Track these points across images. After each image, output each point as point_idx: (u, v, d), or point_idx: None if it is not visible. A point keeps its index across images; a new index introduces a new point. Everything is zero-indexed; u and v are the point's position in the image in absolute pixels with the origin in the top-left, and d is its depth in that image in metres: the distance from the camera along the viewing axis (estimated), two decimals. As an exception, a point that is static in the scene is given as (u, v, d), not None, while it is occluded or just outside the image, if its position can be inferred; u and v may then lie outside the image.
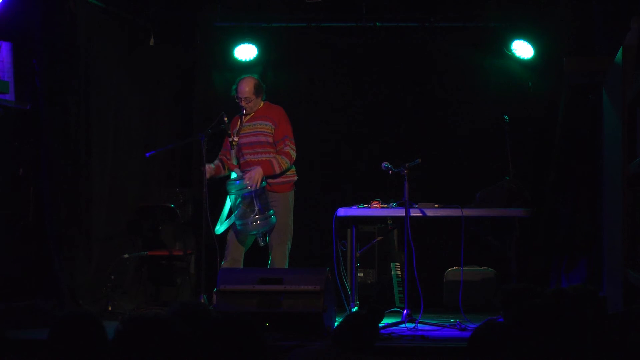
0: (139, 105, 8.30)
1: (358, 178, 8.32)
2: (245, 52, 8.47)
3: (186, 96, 8.76)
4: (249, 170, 6.72)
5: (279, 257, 6.81)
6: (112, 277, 7.34)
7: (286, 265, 6.82)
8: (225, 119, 6.84)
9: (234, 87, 7.02)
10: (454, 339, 6.01)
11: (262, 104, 7.02)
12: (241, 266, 6.92)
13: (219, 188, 7.13)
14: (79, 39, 7.35)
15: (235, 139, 6.92)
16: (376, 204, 6.89)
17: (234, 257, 6.88)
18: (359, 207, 6.92)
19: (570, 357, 3.04)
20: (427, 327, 6.41)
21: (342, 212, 6.89)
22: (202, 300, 6.65)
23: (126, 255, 7.53)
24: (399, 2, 8.24)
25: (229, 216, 6.90)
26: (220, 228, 6.90)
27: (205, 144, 6.84)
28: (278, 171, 6.81)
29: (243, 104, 6.93)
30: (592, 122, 7.22)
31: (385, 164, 6.71)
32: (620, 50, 5.31)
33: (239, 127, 6.96)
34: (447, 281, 7.69)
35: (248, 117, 6.98)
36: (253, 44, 8.44)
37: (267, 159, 6.82)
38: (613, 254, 5.84)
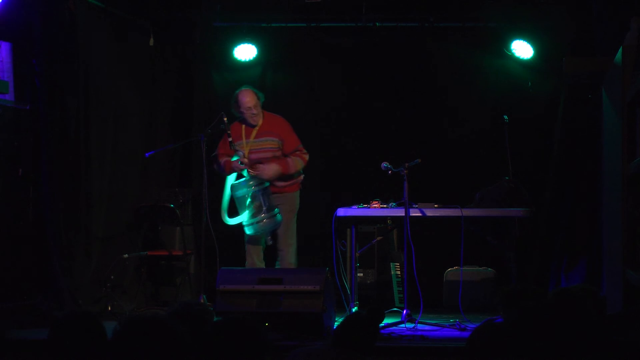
0: (139, 105, 8.30)
1: (358, 178, 8.32)
2: (245, 52, 8.47)
3: (186, 96, 8.76)
4: (263, 164, 6.80)
5: (291, 256, 6.89)
6: (112, 277, 7.34)
7: (296, 263, 6.85)
8: (225, 119, 6.84)
9: (233, 101, 6.99)
10: (454, 339, 6.01)
11: (263, 115, 7.02)
12: (263, 266, 6.96)
13: (219, 188, 7.14)
14: (79, 39, 7.34)
15: (245, 159, 6.88)
16: (376, 204, 6.89)
17: (253, 258, 6.92)
18: (358, 207, 6.92)
19: (570, 357, 3.04)
20: (427, 327, 6.41)
21: (341, 212, 6.89)
22: (202, 300, 6.66)
23: (126, 255, 7.52)
24: (399, 2, 8.24)
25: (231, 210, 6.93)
26: (229, 219, 6.94)
27: (205, 144, 6.85)
28: (293, 171, 6.92)
29: (248, 114, 6.89)
30: (592, 122, 7.21)
31: (385, 164, 6.71)
32: (620, 50, 5.31)
33: (246, 142, 6.92)
34: (446, 281, 7.70)
35: (254, 132, 6.96)
36: (252, 44, 8.43)
37: (284, 158, 6.89)
38: (613, 254, 5.84)
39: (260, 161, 6.91)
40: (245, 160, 6.87)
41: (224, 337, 2.89)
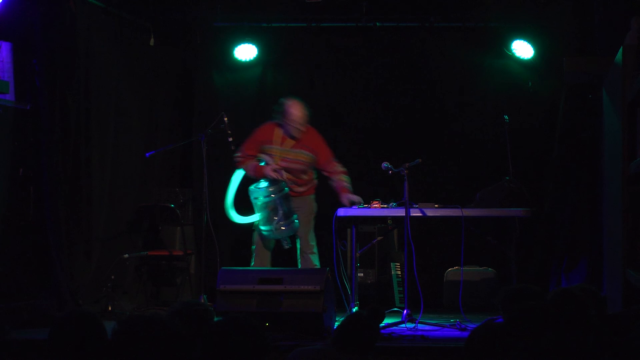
0: (139, 105, 8.30)
1: (358, 178, 8.30)
2: (245, 52, 8.47)
3: (186, 96, 8.76)
4: (347, 196, 6.89)
5: (314, 256, 6.91)
6: (112, 277, 7.34)
7: (319, 265, 6.90)
8: (226, 119, 6.84)
9: (279, 108, 6.85)
10: (454, 339, 6.01)
11: None
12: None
13: (219, 187, 7.14)
14: (79, 39, 7.35)
15: (277, 165, 6.87)
16: (376, 204, 6.89)
17: (262, 260, 6.90)
18: (359, 207, 6.91)
19: (569, 357, 3.03)
20: (427, 327, 6.41)
21: (342, 212, 6.88)
22: (203, 300, 6.66)
23: (126, 255, 7.52)
24: (399, 2, 8.24)
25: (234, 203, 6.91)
26: (238, 217, 6.93)
27: (205, 144, 6.84)
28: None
29: (293, 127, 6.82)
30: (592, 122, 7.22)
31: (385, 164, 6.71)
32: (620, 50, 5.32)
33: (281, 149, 6.90)
34: (447, 281, 7.69)
35: (292, 142, 6.91)
36: (253, 44, 8.44)
37: (342, 185, 6.95)
38: (613, 254, 5.84)
39: (289, 170, 6.86)
40: (282, 170, 6.81)
41: (224, 337, 2.89)
